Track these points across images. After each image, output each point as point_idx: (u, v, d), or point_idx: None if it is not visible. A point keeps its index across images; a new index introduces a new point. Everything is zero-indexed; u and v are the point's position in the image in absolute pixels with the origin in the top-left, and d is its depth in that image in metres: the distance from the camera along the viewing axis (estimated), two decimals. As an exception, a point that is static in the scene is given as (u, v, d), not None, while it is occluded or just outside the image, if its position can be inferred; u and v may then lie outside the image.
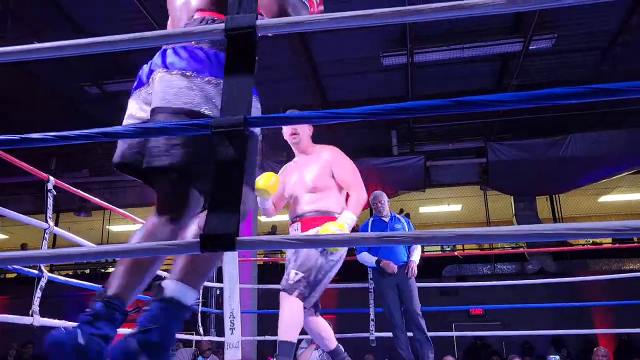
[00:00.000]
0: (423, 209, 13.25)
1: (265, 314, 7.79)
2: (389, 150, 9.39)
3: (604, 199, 12.55)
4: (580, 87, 0.77)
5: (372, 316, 4.50)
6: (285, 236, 1.02)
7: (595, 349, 5.84)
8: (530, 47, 6.65)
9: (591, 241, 11.97)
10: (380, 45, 6.88)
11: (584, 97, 0.78)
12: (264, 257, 10.26)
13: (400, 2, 5.88)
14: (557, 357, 7.88)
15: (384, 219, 4.41)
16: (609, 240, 11.32)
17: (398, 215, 4.54)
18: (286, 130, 3.16)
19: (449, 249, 11.67)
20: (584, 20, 6.43)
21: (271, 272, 10.10)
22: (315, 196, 3.00)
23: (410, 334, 4.03)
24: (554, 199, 11.46)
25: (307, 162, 3.11)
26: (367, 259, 4.29)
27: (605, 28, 6.64)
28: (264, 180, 2.85)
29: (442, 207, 13.06)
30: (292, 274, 2.84)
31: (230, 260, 4.52)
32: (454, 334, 8.26)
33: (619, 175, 9.15)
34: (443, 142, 9.69)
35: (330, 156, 3.09)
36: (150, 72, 1.47)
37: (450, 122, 8.97)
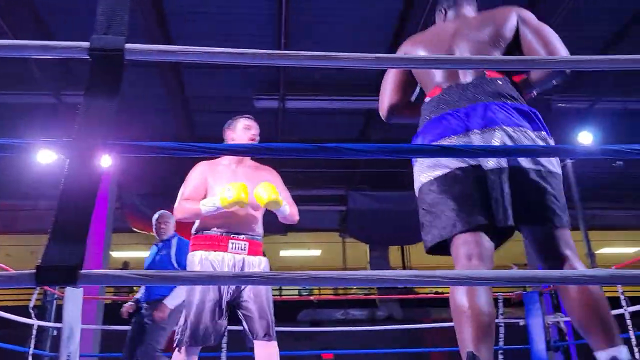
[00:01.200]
0: (283, 252, 13.36)
1: (108, 358, 7.20)
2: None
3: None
4: (431, 145, 0.85)
5: None
6: (139, 272, 0.96)
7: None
8: (391, 107, 7.19)
9: (434, 290, 12.92)
10: (253, 87, 6.98)
11: (434, 153, 0.86)
12: (113, 295, 9.53)
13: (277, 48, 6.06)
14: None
15: (158, 244, 4.15)
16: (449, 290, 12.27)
17: (174, 241, 4.13)
18: (245, 137, 2.78)
19: (305, 293, 11.83)
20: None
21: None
22: (261, 219, 2.78)
23: None
24: (405, 250, 12.27)
25: (253, 177, 2.72)
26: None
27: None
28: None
29: (302, 251, 13.29)
30: (269, 318, 2.54)
31: (72, 298, 4.13)
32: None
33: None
34: (307, 188, 9.96)
35: (275, 177, 2.83)
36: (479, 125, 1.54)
37: (315, 169, 9.27)
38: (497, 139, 1.52)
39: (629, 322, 4.04)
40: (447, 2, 2.01)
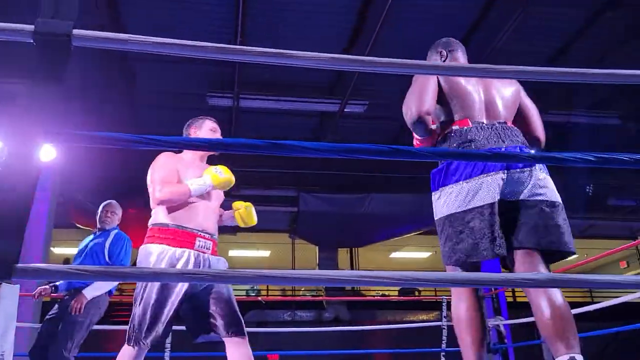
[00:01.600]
0: (232, 252, 13.22)
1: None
2: (204, 191, 9.25)
3: (394, 255, 13.92)
4: (383, 145, 0.86)
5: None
6: (78, 267, 0.93)
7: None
8: (345, 110, 7.26)
9: (380, 293, 13.12)
10: (207, 84, 6.88)
11: (383, 155, 0.87)
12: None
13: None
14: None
15: (96, 232, 3.97)
16: (396, 293, 12.53)
17: (112, 232, 3.93)
18: (209, 133, 2.79)
19: (253, 294, 11.74)
20: (390, 93, 7.25)
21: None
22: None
23: None
24: (353, 252, 12.39)
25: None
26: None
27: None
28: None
29: (251, 251, 13.19)
30: (239, 313, 2.45)
31: (8, 294, 3.93)
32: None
33: (408, 235, 10.27)
34: (258, 188, 9.89)
35: None
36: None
37: (267, 168, 9.23)
38: (534, 177, 1.84)
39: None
40: (447, 47, 2.23)
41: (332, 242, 10.49)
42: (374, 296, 11.84)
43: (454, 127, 1.93)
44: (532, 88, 7.21)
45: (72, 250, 12.29)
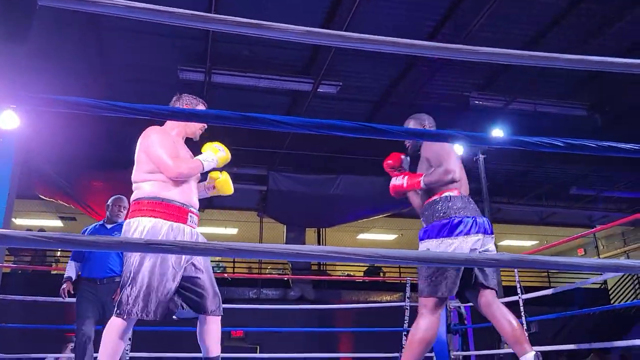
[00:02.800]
0: (200, 229, 13.07)
1: (5, 329, 6.77)
2: (173, 166, 9.14)
3: (362, 236, 14.05)
4: (354, 122, 0.86)
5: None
6: (40, 234, 0.91)
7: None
8: (318, 90, 7.23)
9: (346, 273, 13.26)
10: (179, 58, 6.73)
11: (356, 132, 0.87)
12: (12, 263, 8.95)
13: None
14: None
15: (107, 225, 4.08)
16: (361, 274, 12.68)
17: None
18: (198, 124, 2.76)
19: (219, 270, 11.71)
20: (364, 75, 7.24)
21: (18, 281, 8.84)
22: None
23: None
24: (321, 232, 12.45)
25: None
26: (68, 268, 3.97)
27: (380, 86, 7.59)
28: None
29: (219, 229, 13.12)
30: (219, 292, 2.56)
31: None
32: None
33: (376, 217, 10.37)
34: (227, 165, 9.79)
35: None
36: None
37: (237, 146, 9.14)
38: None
39: (521, 308, 4.36)
40: (430, 122, 2.84)
41: (301, 221, 10.50)
42: (339, 276, 11.97)
43: (454, 193, 2.65)
44: (500, 75, 7.25)
45: (35, 222, 12.00)
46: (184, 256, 2.37)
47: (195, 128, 2.72)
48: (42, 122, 6.50)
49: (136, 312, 2.26)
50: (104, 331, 2.33)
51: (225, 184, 2.81)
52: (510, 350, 4.93)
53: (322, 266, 12.19)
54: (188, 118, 0.86)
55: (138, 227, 2.36)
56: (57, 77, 6.49)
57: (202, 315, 2.45)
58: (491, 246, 2.67)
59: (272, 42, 6.44)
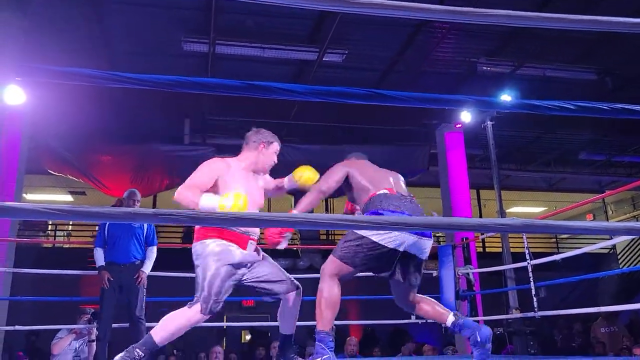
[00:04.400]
0: (208, 201, 13.21)
1: (18, 302, 6.90)
2: (180, 139, 9.14)
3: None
4: (363, 89, 0.84)
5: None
6: (53, 206, 0.91)
7: (347, 338, 6.50)
8: (324, 59, 7.14)
9: (356, 243, 13.33)
10: (183, 29, 6.65)
11: (365, 99, 0.85)
12: (25, 238, 9.08)
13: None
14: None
15: None
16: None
17: None
18: (270, 160, 3.05)
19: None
20: (370, 42, 7.13)
21: (33, 256, 8.97)
22: None
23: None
24: (329, 203, 12.49)
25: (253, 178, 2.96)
26: (98, 257, 4.29)
27: (386, 54, 7.48)
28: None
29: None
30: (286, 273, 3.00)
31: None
32: (224, 324, 8.44)
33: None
34: (235, 137, 9.77)
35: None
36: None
37: (245, 117, 9.11)
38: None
39: (530, 274, 4.38)
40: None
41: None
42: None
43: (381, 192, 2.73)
44: (508, 40, 7.08)
45: (45, 197, 12.11)
46: (246, 257, 2.66)
47: (266, 165, 2.99)
48: (47, 97, 6.48)
49: (210, 310, 2.51)
50: (176, 312, 2.54)
51: (306, 180, 3.12)
52: (519, 315, 4.98)
53: (330, 236, 12.27)
54: (194, 88, 0.85)
55: (205, 247, 2.60)
56: (59, 51, 6.44)
57: (284, 296, 2.86)
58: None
59: (276, 12, 6.34)
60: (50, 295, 5.93)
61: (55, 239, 12.50)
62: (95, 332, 4.59)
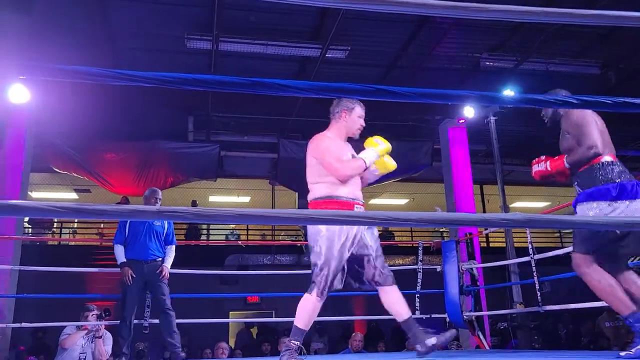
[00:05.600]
0: (213, 198, 13.23)
1: (25, 300, 6.95)
2: (184, 136, 9.16)
3: (373, 201, 14.08)
4: (364, 85, 0.85)
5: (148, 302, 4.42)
6: (58, 204, 0.92)
7: (353, 334, 6.51)
8: (327, 55, 7.13)
9: (360, 238, 13.34)
10: (186, 26, 6.66)
11: (367, 94, 0.86)
12: (31, 236, 9.13)
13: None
14: (321, 344, 8.58)
15: None
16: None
17: None
18: (356, 125, 3.06)
19: (233, 238, 11.86)
20: (372, 38, 7.12)
21: (38, 254, 9.02)
22: None
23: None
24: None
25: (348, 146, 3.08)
26: (119, 253, 4.30)
27: (389, 50, 7.47)
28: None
29: (231, 197, 13.21)
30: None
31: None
32: (228, 320, 8.46)
33: (387, 182, 10.36)
34: (239, 134, 9.80)
35: None
36: None
37: (248, 114, 9.12)
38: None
39: (534, 268, 4.38)
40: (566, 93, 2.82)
41: (312, 188, 10.54)
42: (352, 241, 12.06)
43: (607, 159, 2.62)
44: (511, 35, 7.05)
45: (51, 195, 12.16)
46: (357, 235, 2.73)
47: (354, 129, 3.03)
48: (51, 95, 6.50)
49: (328, 290, 2.74)
50: (301, 303, 2.81)
51: (381, 165, 3.05)
52: (522, 310, 4.99)
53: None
54: (198, 85, 0.85)
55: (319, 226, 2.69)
56: (64, 49, 6.46)
57: (377, 287, 2.95)
58: None
59: (278, 8, 6.34)
60: (56, 292, 5.96)
61: (60, 236, 12.56)
62: (103, 328, 4.64)
